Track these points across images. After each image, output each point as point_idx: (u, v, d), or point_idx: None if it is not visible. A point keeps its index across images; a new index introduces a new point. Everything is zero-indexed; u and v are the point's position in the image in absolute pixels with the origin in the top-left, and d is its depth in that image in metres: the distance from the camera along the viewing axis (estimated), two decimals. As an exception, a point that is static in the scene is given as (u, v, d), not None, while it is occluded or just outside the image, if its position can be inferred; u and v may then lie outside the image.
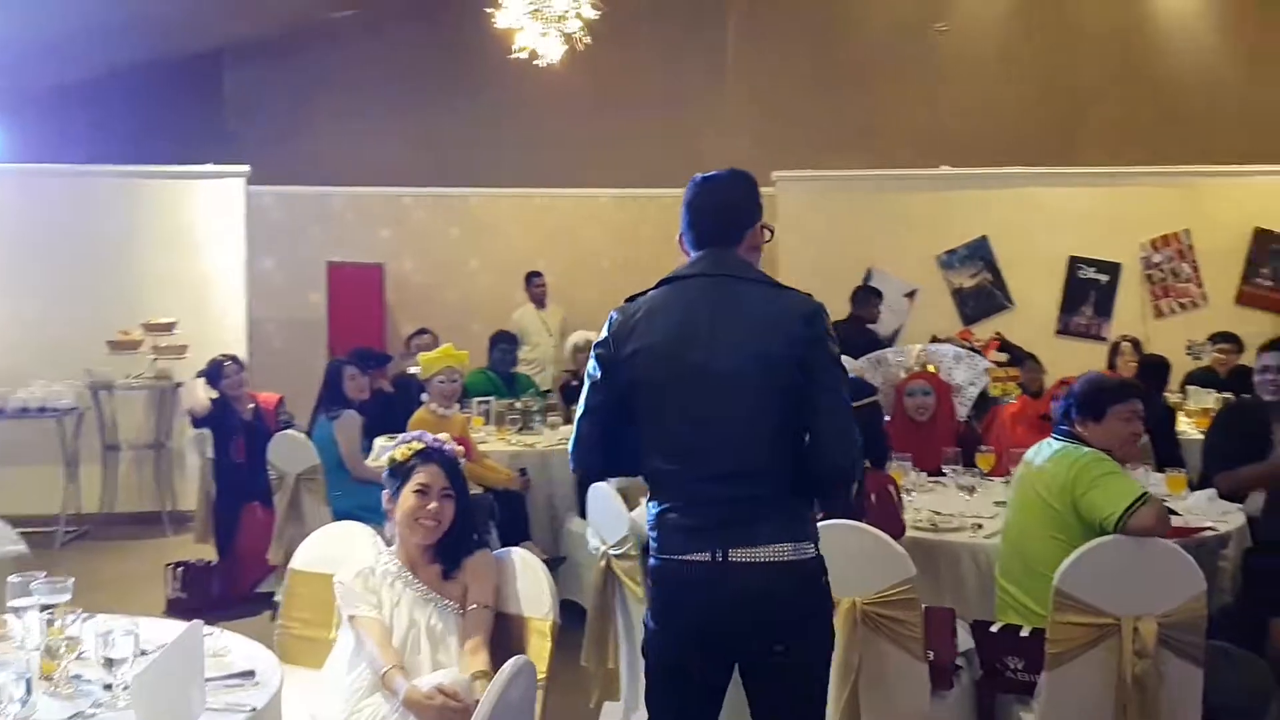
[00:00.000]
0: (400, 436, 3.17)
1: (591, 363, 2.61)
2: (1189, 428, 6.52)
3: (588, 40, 7.64)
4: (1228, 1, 10.70)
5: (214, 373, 6.52)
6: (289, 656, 3.16)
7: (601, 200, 10.40)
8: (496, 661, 2.72)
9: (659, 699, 2.58)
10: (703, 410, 2.46)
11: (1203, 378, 7.44)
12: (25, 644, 2.45)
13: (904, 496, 4.25)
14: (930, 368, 5.57)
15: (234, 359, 6.65)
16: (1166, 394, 6.89)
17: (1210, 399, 6.86)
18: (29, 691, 2.23)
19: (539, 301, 9.58)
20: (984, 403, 6.29)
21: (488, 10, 7.69)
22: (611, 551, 3.82)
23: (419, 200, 10.29)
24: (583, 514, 5.22)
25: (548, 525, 6.13)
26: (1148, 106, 10.32)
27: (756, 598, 2.42)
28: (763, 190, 2.69)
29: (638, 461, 2.56)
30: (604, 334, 2.60)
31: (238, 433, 6.42)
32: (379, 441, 6.03)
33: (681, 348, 2.48)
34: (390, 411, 6.27)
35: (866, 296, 8.60)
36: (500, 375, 7.54)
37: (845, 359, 3.06)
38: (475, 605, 2.94)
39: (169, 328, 8.24)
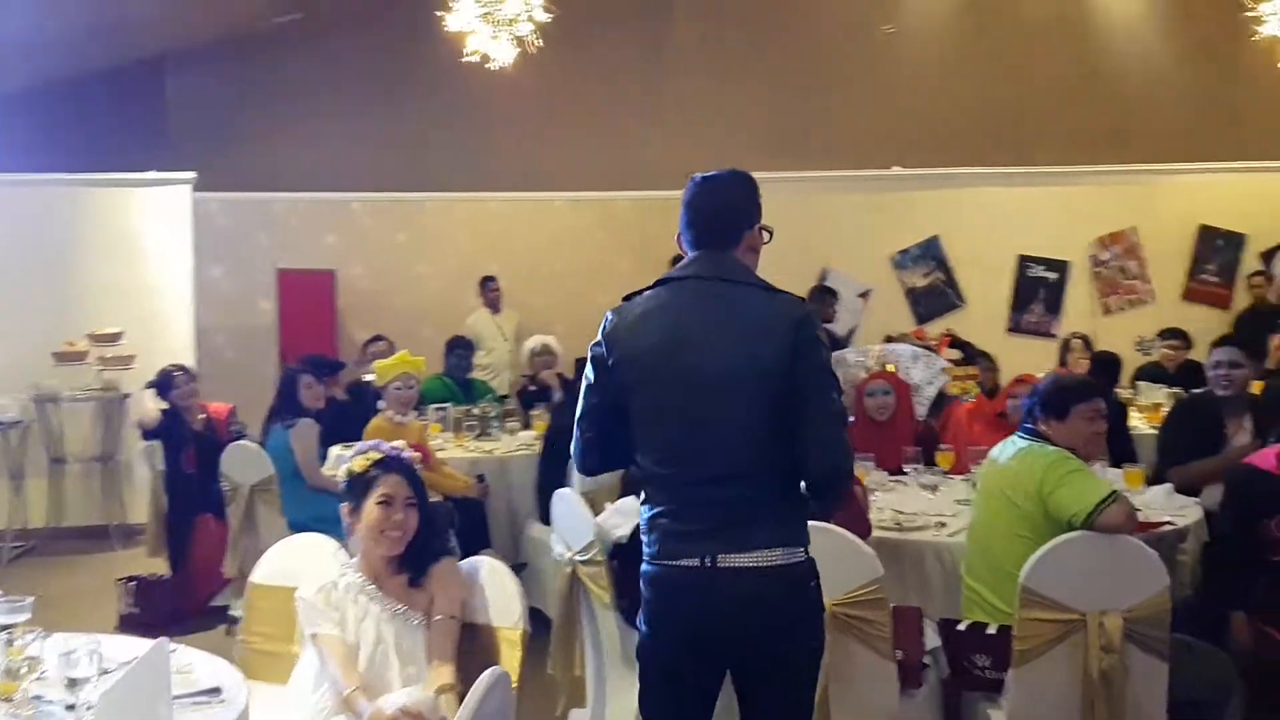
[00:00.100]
0: (357, 446, 3.10)
1: (588, 365, 2.61)
2: (1140, 423, 6.59)
3: (540, 43, 7.61)
4: (1174, 1, 10.87)
5: (164, 383, 6.45)
6: (252, 672, 3.07)
7: (555, 204, 10.32)
8: (466, 672, 2.68)
9: (653, 703, 2.59)
10: (696, 413, 2.46)
11: (1152, 373, 7.55)
12: (-17, 666, 2.37)
13: (869, 497, 4.25)
14: (889, 367, 5.60)
15: (184, 369, 6.58)
16: (1118, 390, 6.98)
17: (1161, 394, 6.96)
18: (-13, 715, 2.17)
19: (494, 306, 9.55)
20: (940, 401, 6.33)
21: (438, 13, 7.63)
22: (577, 558, 3.79)
23: (368, 205, 10.19)
24: (543, 520, 5.18)
25: (508, 532, 6.07)
26: (1096, 106, 10.45)
27: (747, 602, 2.42)
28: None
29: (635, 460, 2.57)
30: (598, 336, 2.59)
31: (188, 444, 6.32)
32: (335, 451, 5.97)
33: (675, 350, 2.48)
34: (345, 420, 6.22)
35: (822, 296, 8.64)
36: (456, 381, 7.49)
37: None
38: (441, 616, 2.88)
39: (115, 338, 8.06)
